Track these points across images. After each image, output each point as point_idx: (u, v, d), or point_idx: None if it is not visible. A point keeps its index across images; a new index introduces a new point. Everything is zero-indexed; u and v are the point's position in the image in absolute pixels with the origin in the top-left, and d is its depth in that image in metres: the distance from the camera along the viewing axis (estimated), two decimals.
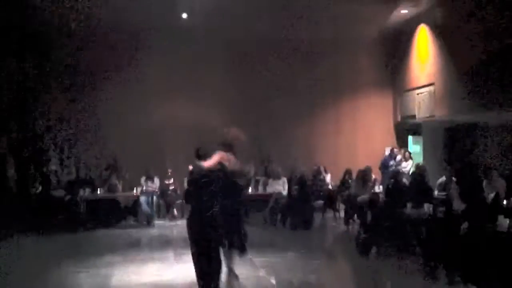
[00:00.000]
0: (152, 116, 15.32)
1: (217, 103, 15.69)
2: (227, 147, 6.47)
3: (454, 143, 15.32)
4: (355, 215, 11.77)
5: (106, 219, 12.48)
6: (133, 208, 12.99)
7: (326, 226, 12.43)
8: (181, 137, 14.38)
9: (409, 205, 9.54)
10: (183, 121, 15.24)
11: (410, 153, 15.21)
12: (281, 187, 13.20)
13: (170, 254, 9.05)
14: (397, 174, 11.16)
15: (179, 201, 13.63)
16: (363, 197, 10.76)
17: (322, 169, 14.50)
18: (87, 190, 12.86)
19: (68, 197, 12.59)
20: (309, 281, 7.29)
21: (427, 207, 9.11)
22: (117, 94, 15.05)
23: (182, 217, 13.33)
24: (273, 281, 7.14)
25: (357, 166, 12.99)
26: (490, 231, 7.07)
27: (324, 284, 7.20)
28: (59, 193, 12.84)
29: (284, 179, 13.43)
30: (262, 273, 7.57)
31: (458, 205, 7.98)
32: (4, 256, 8.94)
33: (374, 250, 9.06)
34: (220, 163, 6.11)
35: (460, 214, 7.64)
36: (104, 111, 14.99)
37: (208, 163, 5.91)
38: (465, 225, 7.19)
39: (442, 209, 8.72)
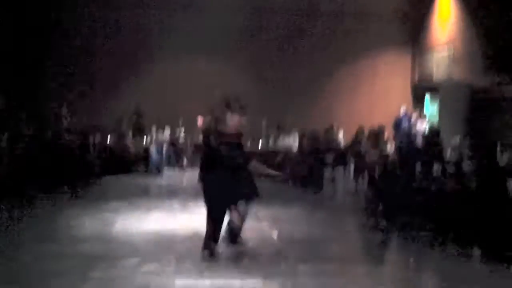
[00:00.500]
0: (167, 69, 15.25)
1: (232, 61, 15.52)
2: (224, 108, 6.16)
3: (470, 105, 15.02)
4: (365, 173, 11.66)
5: (116, 166, 12.54)
6: (144, 157, 13.04)
7: (335, 183, 12.36)
8: (194, 91, 14.33)
9: (419, 165, 9.41)
10: (197, 76, 15.13)
11: (425, 114, 14.95)
12: (292, 142, 13.13)
13: (176, 203, 9.07)
14: (410, 134, 11.00)
15: (189, 151, 13.65)
16: (373, 156, 10.65)
17: (335, 126, 14.37)
18: (98, 136, 12.88)
19: (79, 142, 12.62)
20: (311, 235, 7.26)
21: (437, 168, 8.98)
22: (133, 45, 15.04)
23: (191, 167, 13.39)
24: (274, 234, 7.13)
25: (372, 124, 12.87)
26: (499, 193, 6.95)
27: (325, 239, 7.16)
28: (71, 138, 12.87)
29: (296, 135, 13.34)
30: (264, 225, 7.55)
31: (468, 167, 7.85)
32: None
33: (380, 209, 9.00)
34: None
35: (470, 175, 7.50)
36: (120, 61, 15.00)
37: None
38: (473, 186, 7.07)
39: (452, 170, 8.60)
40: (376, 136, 11.70)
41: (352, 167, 12.38)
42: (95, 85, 15.32)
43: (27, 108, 12.71)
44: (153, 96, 14.72)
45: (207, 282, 5.08)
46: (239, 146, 6.06)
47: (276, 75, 15.73)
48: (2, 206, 8.17)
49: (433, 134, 11.08)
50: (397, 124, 14.52)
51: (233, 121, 6.02)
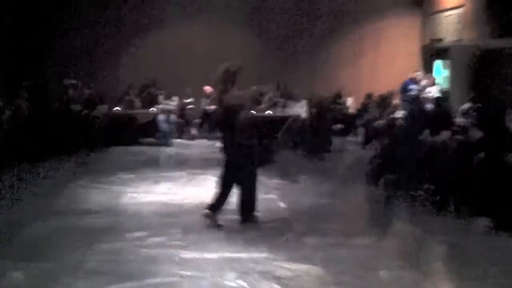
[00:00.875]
0: (174, 38, 15.14)
1: (236, 29, 15.37)
2: (227, 80, 6.16)
3: (481, 69, 14.78)
4: (373, 140, 11.59)
5: (123, 136, 12.51)
6: (151, 126, 13.01)
7: (343, 151, 12.30)
8: (202, 59, 14.27)
9: (427, 131, 9.29)
10: (203, 45, 15.01)
11: (434, 78, 14.72)
12: (300, 109, 13.03)
13: (184, 174, 9.08)
14: (418, 99, 10.88)
15: (197, 120, 13.61)
16: (380, 122, 10.56)
17: (342, 92, 14.24)
18: (105, 107, 12.85)
19: (85, 112, 12.60)
20: (319, 204, 7.26)
21: (446, 134, 8.88)
22: (143, 13, 15.00)
23: (200, 136, 13.39)
24: (283, 204, 7.13)
25: (380, 91, 12.73)
26: (507, 161, 6.87)
27: (333, 208, 7.17)
28: (77, 108, 12.84)
29: (304, 102, 13.22)
30: (272, 195, 7.55)
31: (477, 133, 7.74)
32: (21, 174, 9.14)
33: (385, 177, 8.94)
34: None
35: (477, 142, 7.41)
36: (126, 29, 14.96)
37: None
38: (481, 154, 6.99)
39: (460, 137, 8.50)
40: (384, 101, 11.62)
41: (360, 135, 12.30)
42: (102, 55, 15.24)
43: (33, 77, 12.70)
44: (161, 65, 14.64)
45: (213, 255, 5.11)
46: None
47: (280, 39, 15.58)
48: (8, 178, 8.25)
49: (443, 99, 10.96)
50: (404, 89, 14.32)
51: (237, 92, 6.05)
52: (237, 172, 6.07)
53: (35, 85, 12.29)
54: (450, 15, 14.56)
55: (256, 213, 6.20)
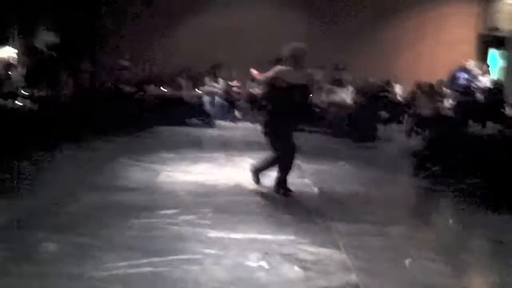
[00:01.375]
0: (220, 21, 15.17)
1: (289, 11, 15.27)
2: (289, 61, 6.52)
3: None
4: (419, 130, 11.34)
5: (170, 116, 12.68)
6: (197, 107, 13.17)
7: (388, 139, 12.09)
8: (249, 42, 14.28)
9: (476, 123, 9.03)
10: (251, 29, 14.97)
11: (488, 67, 14.21)
12: (346, 95, 12.88)
13: (222, 155, 9.14)
14: (468, 89, 10.56)
15: (242, 103, 13.66)
16: (427, 111, 10.31)
17: (392, 81, 13.96)
18: (153, 87, 13.07)
19: (137, 93, 12.86)
20: (355, 192, 7.18)
21: (495, 127, 8.61)
22: None
23: (243, 119, 13.44)
24: (316, 189, 7.08)
25: (434, 78, 12.47)
26: None
27: (369, 196, 7.06)
28: (129, 89, 13.13)
29: (351, 88, 13.06)
30: (307, 180, 7.52)
31: None
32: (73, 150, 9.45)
33: (430, 168, 8.74)
34: (275, 77, 6.42)
35: None
36: (176, 11, 15.07)
37: (263, 76, 6.66)
38: None
39: (509, 130, 8.22)
40: (432, 90, 11.33)
41: (406, 123, 12.05)
42: (151, 39, 15.39)
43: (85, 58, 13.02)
44: (206, 47, 14.74)
45: (240, 235, 5.14)
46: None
47: (331, 25, 15.40)
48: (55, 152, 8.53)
49: (495, 90, 10.60)
50: (454, 78, 13.90)
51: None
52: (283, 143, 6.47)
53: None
54: (508, 3, 13.99)
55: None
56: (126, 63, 14.08)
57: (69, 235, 4.96)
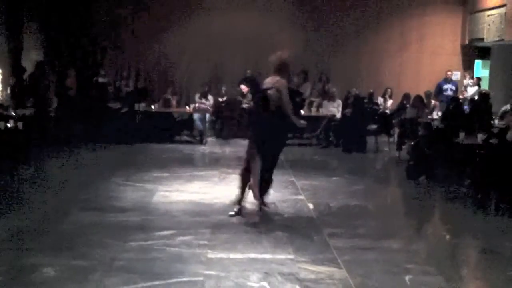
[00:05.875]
0: (209, 32, 15.22)
1: (277, 17, 15.40)
2: (276, 71, 6.62)
3: None
4: (407, 141, 11.43)
5: (160, 133, 12.65)
6: (188, 124, 13.18)
7: (377, 151, 12.19)
8: (238, 53, 14.40)
9: (462, 133, 9.14)
10: (238, 35, 15.04)
11: (479, 79, 14.39)
12: (335, 109, 12.98)
13: (216, 173, 9.15)
14: (454, 99, 10.70)
15: (231, 120, 13.69)
16: (415, 122, 10.43)
17: (388, 92, 14.21)
18: (142, 105, 13.04)
19: (124, 109, 12.79)
20: (349, 205, 7.22)
21: (481, 136, 8.71)
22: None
23: (234, 135, 13.45)
24: (311, 205, 7.12)
25: (420, 89, 12.62)
26: None
27: (363, 209, 7.11)
28: (115, 105, 13.05)
29: (339, 102, 13.17)
30: (301, 196, 7.56)
31: None
32: (61, 166, 9.43)
33: (422, 177, 8.87)
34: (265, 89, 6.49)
35: None
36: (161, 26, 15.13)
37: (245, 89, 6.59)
38: None
39: (494, 140, 8.33)
40: (421, 101, 11.45)
41: (396, 135, 12.14)
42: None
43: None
44: (196, 64, 14.81)
45: (239, 255, 5.16)
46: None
47: (323, 33, 15.59)
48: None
49: (481, 101, 10.73)
50: (440, 89, 14.08)
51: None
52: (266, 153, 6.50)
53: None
54: (491, 14, 14.23)
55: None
56: (101, 79, 13.90)
57: (64, 258, 4.94)
